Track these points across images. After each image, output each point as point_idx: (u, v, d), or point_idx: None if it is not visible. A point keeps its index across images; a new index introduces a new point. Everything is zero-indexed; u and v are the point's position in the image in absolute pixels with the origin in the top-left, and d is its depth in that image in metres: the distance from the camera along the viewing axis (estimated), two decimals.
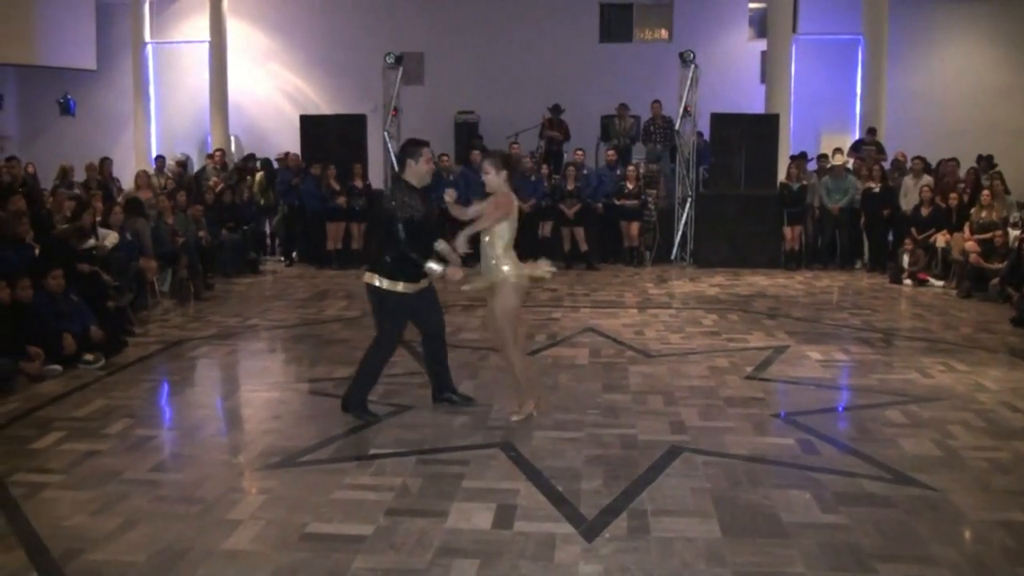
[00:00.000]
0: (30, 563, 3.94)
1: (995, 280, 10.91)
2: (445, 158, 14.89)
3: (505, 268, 5.74)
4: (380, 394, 6.53)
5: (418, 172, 5.91)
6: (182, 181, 14.72)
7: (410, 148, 5.98)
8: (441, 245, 5.95)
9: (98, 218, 9.90)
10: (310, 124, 15.26)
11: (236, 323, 9.51)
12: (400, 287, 5.82)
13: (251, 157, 16.93)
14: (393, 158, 15.11)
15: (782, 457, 5.29)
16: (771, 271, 13.52)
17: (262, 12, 20.04)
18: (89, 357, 7.48)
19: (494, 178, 5.75)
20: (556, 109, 16.37)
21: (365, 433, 5.73)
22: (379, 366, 6.07)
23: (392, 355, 6.15)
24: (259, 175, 15.51)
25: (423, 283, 5.94)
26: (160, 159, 16.84)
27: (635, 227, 14.11)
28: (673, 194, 14.96)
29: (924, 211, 12.92)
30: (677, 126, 14.83)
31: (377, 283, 5.83)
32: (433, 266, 5.76)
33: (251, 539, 4.16)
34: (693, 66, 14.52)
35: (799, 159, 14.73)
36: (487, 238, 5.76)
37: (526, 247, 13.69)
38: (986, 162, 14.29)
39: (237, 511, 4.48)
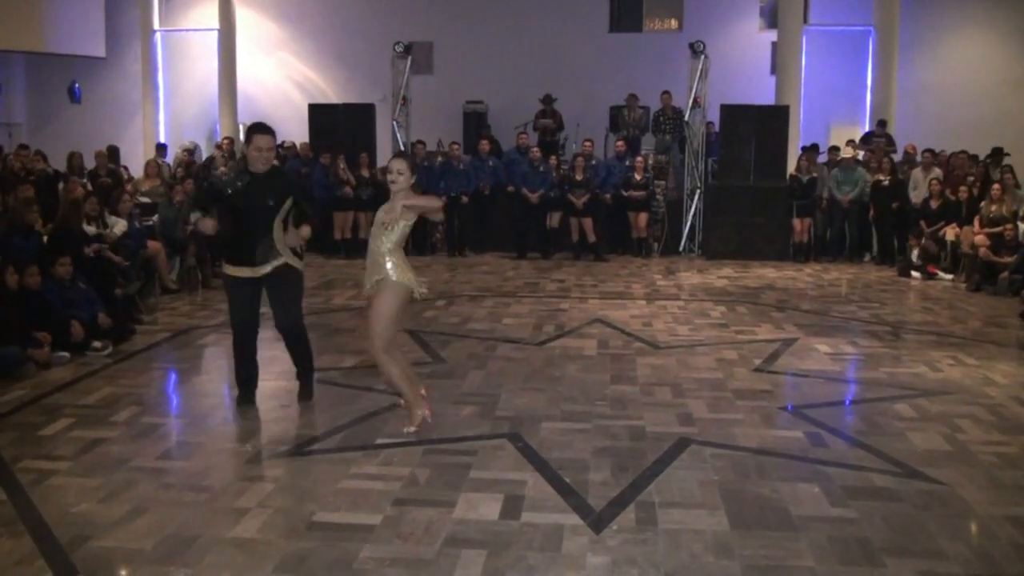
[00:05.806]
0: (37, 549, 3.94)
1: (1005, 274, 10.87)
2: (456, 146, 14.86)
3: (389, 266, 5.28)
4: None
5: (248, 155, 5.80)
6: (191, 170, 14.69)
7: (247, 132, 5.84)
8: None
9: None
10: (319, 113, 15.24)
11: None
12: (228, 269, 5.71)
13: None
14: (402, 147, 15.10)
15: (790, 450, 5.27)
16: (780, 263, 13.49)
17: (271, 0, 20.01)
18: (97, 344, 7.50)
19: (406, 180, 5.28)
20: (548, 99, 16.35)
21: (373, 422, 5.73)
22: (235, 354, 5.94)
23: (240, 340, 5.90)
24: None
25: (264, 269, 5.71)
26: (162, 147, 16.79)
27: (643, 218, 14.08)
28: (682, 185, 14.93)
29: (934, 204, 12.84)
30: (687, 117, 14.79)
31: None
32: (198, 214, 5.83)
33: (258, 527, 4.16)
34: (703, 57, 14.50)
35: (810, 151, 14.63)
36: (381, 233, 5.31)
37: (535, 238, 13.95)
38: (995, 153, 14.17)
39: (244, 499, 4.48)
